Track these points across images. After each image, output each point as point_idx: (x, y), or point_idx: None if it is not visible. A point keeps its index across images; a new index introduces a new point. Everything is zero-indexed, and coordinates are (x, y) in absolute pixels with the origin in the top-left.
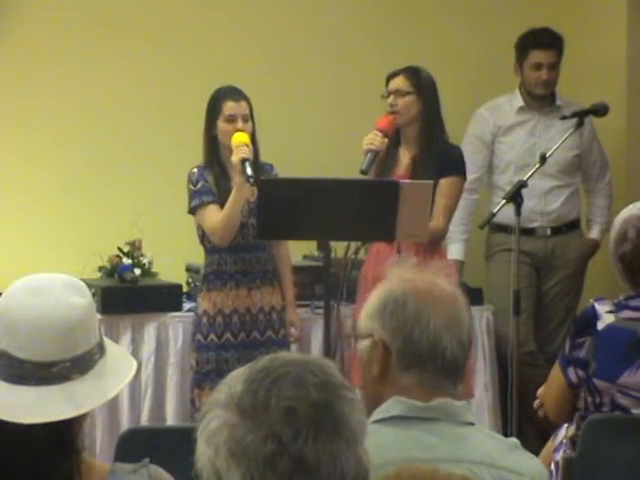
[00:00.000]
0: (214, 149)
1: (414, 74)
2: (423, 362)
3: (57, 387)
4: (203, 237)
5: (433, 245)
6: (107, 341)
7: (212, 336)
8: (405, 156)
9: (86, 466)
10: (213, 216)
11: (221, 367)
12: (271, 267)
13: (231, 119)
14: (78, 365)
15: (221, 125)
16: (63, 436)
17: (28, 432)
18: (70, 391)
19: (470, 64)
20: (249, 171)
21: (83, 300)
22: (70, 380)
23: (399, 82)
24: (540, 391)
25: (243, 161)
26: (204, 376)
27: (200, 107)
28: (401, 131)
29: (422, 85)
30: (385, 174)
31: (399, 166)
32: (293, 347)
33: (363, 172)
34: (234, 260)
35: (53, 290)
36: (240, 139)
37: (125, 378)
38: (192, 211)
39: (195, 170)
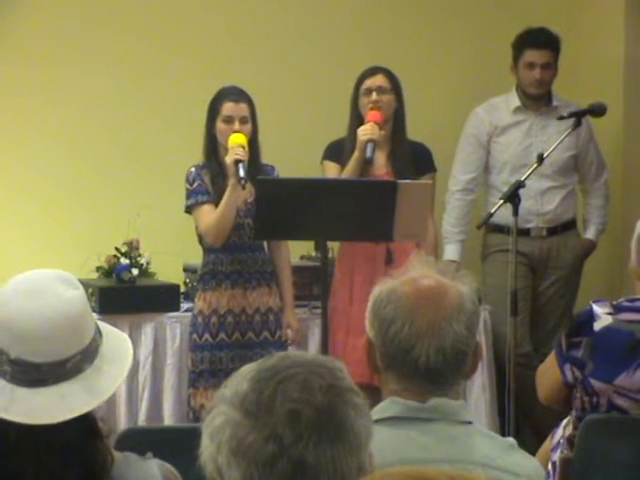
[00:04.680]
0: (213, 148)
1: (390, 74)
2: (398, 365)
3: (74, 380)
4: (201, 236)
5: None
6: (99, 322)
7: (207, 336)
8: (379, 156)
9: None
10: (206, 216)
11: (215, 367)
12: (269, 268)
13: (229, 120)
14: (87, 355)
15: (219, 125)
16: (90, 426)
17: (57, 431)
18: (86, 382)
19: (467, 63)
20: (242, 173)
21: (78, 292)
22: (83, 371)
23: (381, 79)
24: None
25: (236, 162)
26: (198, 376)
27: (197, 107)
28: None
29: (398, 85)
30: (363, 175)
31: (375, 166)
32: (290, 349)
33: (369, 160)
34: (230, 260)
35: (49, 288)
36: (236, 140)
37: (128, 359)
38: (187, 210)
39: (192, 169)
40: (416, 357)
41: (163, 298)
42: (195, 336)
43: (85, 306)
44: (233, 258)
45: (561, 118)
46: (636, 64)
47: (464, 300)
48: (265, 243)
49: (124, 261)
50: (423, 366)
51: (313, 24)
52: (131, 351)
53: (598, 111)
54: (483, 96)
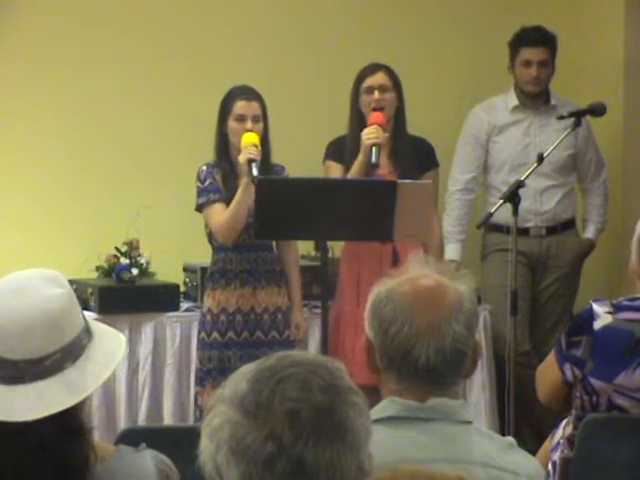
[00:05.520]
0: (224, 147)
1: (391, 71)
2: (398, 365)
3: (53, 379)
4: (211, 235)
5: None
6: (93, 323)
7: (215, 334)
8: (381, 155)
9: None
10: (218, 215)
11: (223, 365)
12: (278, 267)
13: (241, 119)
14: (69, 354)
15: (231, 124)
16: (69, 423)
17: (33, 428)
18: (66, 380)
19: (467, 63)
20: (255, 172)
21: (62, 290)
22: (64, 370)
23: (382, 77)
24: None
25: (249, 162)
26: (206, 374)
27: (197, 107)
28: None
29: (398, 82)
30: (366, 176)
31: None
32: (297, 349)
33: (375, 166)
34: (239, 259)
35: (31, 287)
36: (249, 139)
37: (116, 357)
38: (199, 209)
39: (204, 167)
40: (416, 357)
41: (163, 298)
42: (203, 334)
43: (69, 304)
44: (242, 257)
45: (561, 118)
46: (636, 64)
47: (463, 300)
48: (274, 243)
49: (124, 261)
50: (423, 366)
51: (313, 24)
52: (121, 351)
53: (598, 111)
54: (482, 96)
